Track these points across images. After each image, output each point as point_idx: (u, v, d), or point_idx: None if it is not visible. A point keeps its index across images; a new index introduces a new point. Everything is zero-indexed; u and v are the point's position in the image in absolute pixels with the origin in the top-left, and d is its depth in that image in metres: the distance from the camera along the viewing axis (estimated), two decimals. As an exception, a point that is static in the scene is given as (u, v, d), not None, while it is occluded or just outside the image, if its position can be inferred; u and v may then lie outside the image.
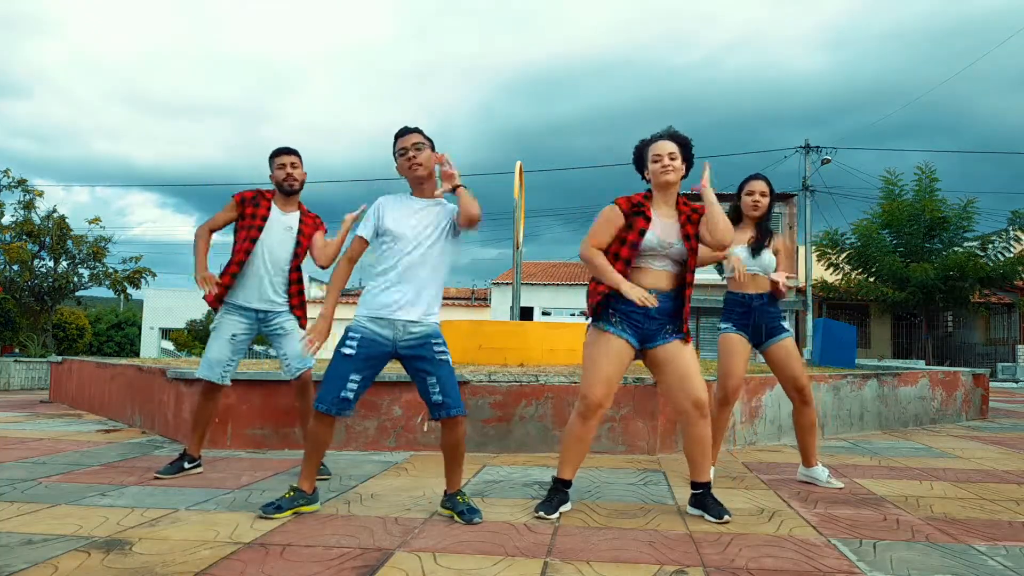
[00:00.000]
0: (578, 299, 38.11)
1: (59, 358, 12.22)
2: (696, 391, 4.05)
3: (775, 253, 5.03)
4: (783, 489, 4.88)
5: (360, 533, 3.66)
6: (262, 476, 5.11)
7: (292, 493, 4.04)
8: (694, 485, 4.18)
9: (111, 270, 21.64)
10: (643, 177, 4.33)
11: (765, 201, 5.07)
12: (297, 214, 5.19)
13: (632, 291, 3.89)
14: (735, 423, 6.75)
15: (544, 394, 6.26)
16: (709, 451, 4.16)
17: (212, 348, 5.07)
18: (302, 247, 5.18)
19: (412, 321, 3.97)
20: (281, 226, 5.10)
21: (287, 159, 5.13)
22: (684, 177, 4.29)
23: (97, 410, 9.43)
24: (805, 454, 5.11)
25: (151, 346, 43.44)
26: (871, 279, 25.52)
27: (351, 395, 3.90)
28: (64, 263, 21.07)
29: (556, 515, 4.04)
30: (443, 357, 4.02)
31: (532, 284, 38.17)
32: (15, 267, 20.04)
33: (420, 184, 4.15)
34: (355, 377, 3.92)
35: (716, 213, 4.05)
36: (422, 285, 4.01)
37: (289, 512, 3.97)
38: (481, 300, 43.77)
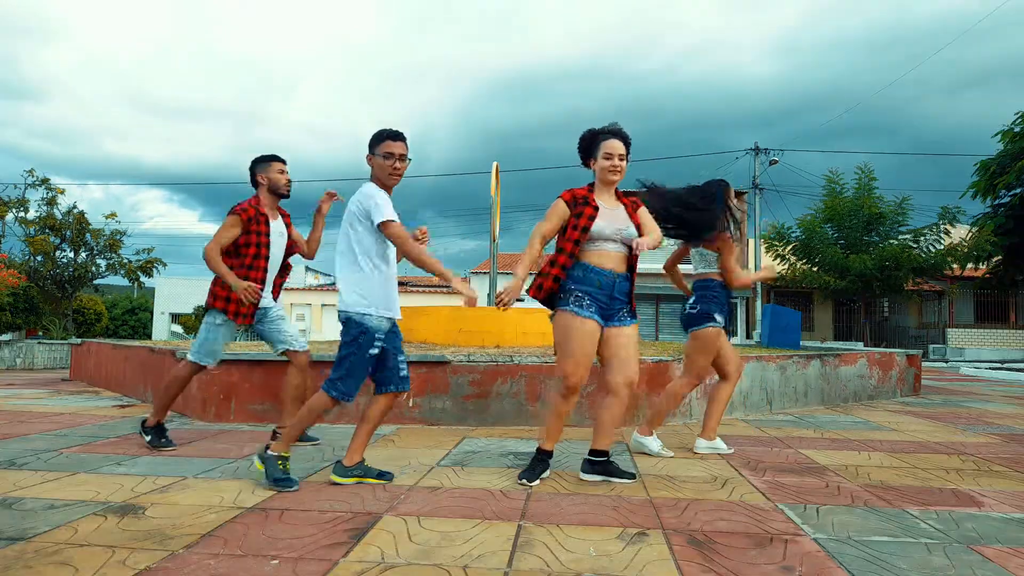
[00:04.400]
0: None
1: (79, 340, 12.12)
2: (633, 374, 4.09)
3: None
4: (735, 459, 4.90)
5: (351, 499, 3.65)
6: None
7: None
8: (596, 453, 4.19)
9: (126, 260, 21.50)
10: (586, 165, 4.31)
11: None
12: (280, 218, 5.17)
13: (512, 290, 4.01)
14: (691, 400, 6.78)
15: (518, 373, 6.26)
16: (619, 425, 4.22)
17: (215, 340, 5.00)
18: (292, 248, 5.25)
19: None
20: (276, 233, 5.07)
21: (285, 166, 5.11)
22: None
23: (113, 387, 9.36)
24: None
25: (162, 329, 43.19)
26: (815, 269, 25.63)
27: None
28: (83, 254, 20.90)
29: (537, 482, 4.06)
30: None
31: (507, 273, 38.11)
32: (39, 258, 19.90)
33: (389, 191, 4.04)
34: (370, 370, 3.99)
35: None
36: None
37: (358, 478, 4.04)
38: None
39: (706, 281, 5.08)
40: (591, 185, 4.27)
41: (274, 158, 5.09)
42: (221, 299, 4.90)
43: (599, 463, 4.16)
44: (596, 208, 4.10)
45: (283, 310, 5.19)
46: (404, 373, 4.08)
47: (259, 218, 4.94)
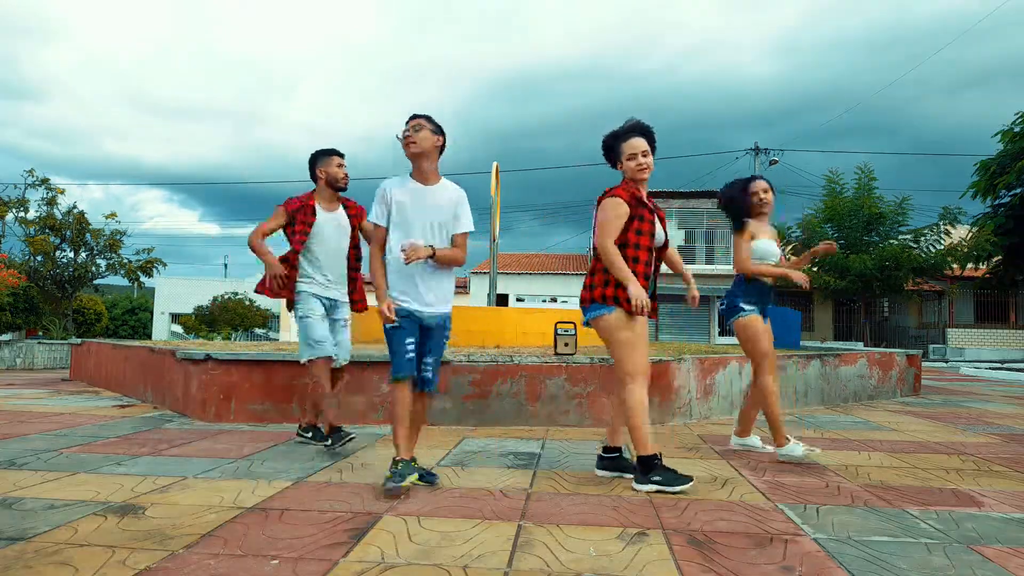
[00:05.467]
0: (549, 286, 38.15)
1: (79, 340, 12.12)
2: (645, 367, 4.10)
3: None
4: (735, 459, 4.91)
5: (351, 499, 3.65)
6: (263, 447, 5.08)
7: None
8: (609, 450, 4.26)
9: (126, 260, 21.47)
10: (614, 167, 4.27)
11: (770, 197, 5.09)
12: (343, 209, 5.27)
13: (637, 296, 3.89)
14: (691, 400, 6.78)
15: (518, 373, 6.26)
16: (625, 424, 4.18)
17: (304, 328, 5.12)
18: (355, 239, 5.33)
19: None
20: (332, 225, 5.18)
21: (343, 160, 5.24)
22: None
23: (113, 387, 9.36)
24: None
25: (162, 330, 43.23)
26: (814, 269, 25.65)
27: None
28: (83, 254, 20.87)
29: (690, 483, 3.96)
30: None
31: (507, 273, 38.16)
32: (39, 258, 19.88)
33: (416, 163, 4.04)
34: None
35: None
36: None
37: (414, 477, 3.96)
38: (461, 288, 43.58)
39: (737, 275, 5.10)
40: (628, 182, 4.17)
41: (333, 152, 5.20)
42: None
43: (609, 459, 4.28)
44: (652, 212, 4.12)
45: (349, 317, 5.31)
46: (426, 373, 4.04)
47: (306, 209, 5.07)
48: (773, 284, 5.05)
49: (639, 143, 4.11)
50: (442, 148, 4.06)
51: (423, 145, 3.93)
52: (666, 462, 4.41)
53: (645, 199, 4.11)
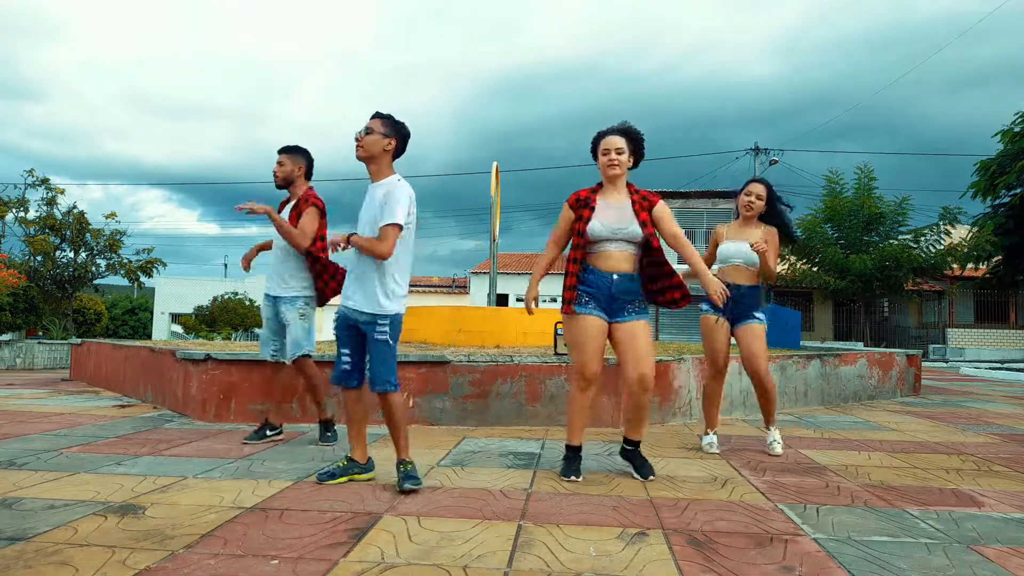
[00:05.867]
0: (549, 286, 38.19)
1: (79, 340, 12.11)
2: (643, 368, 4.11)
3: (765, 242, 5.00)
4: (735, 459, 4.91)
5: (351, 499, 3.65)
6: (263, 447, 5.09)
7: (346, 462, 4.15)
8: (627, 441, 4.38)
9: (126, 260, 21.46)
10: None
11: (759, 204, 5.13)
12: (288, 207, 5.32)
13: (526, 297, 4.49)
14: (691, 399, 6.78)
15: (518, 373, 6.26)
16: (645, 416, 4.29)
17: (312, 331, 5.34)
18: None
19: None
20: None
21: (278, 156, 5.33)
22: (634, 167, 4.36)
23: (113, 387, 9.36)
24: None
25: (162, 330, 43.23)
26: (814, 268, 25.62)
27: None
28: (83, 254, 20.86)
29: (581, 477, 4.20)
30: None
31: (507, 273, 38.17)
32: (39, 258, 19.87)
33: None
34: None
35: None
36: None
37: (344, 479, 4.07)
38: (461, 288, 43.64)
39: None
40: (599, 184, 4.35)
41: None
42: None
43: (626, 449, 4.39)
44: (592, 209, 4.18)
45: (294, 314, 5.25)
46: (368, 374, 4.09)
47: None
48: (741, 287, 5.11)
49: (612, 141, 4.23)
50: (398, 149, 4.09)
51: (370, 150, 4.01)
52: (667, 462, 4.40)
53: (592, 199, 4.22)
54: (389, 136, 4.02)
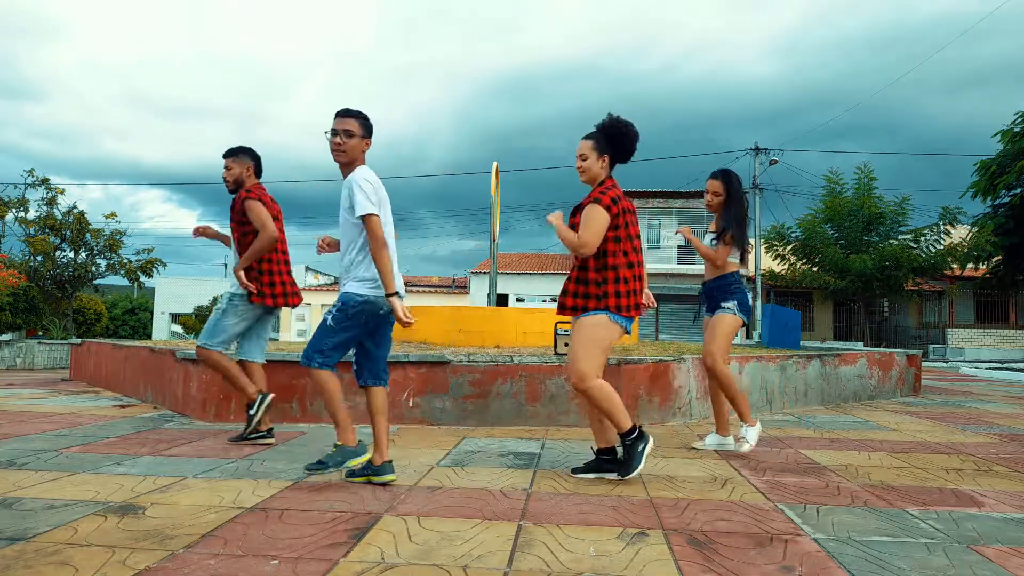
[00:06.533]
0: (549, 286, 38.17)
1: (79, 340, 12.12)
2: (571, 370, 4.17)
3: (725, 244, 5.02)
4: (735, 459, 4.90)
5: (351, 499, 3.65)
6: (263, 447, 5.08)
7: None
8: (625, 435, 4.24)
9: (126, 260, 21.48)
10: None
11: (714, 199, 5.11)
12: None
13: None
14: (690, 399, 6.78)
15: (519, 373, 6.26)
16: (607, 417, 4.22)
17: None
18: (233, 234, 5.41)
19: None
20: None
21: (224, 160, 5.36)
22: (622, 162, 4.26)
23: (113, 387, 9.36)
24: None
25: (162, 329, 43.25)
26: (814, 269, 25.67)
27: None
28: (83, 254, 20.88)
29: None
30: None
31: (507, 273, 38.14)
32: (39, 258, 19.89)
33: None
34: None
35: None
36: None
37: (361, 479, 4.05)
38: (461, 288, 43.63)
39: None
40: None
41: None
42: None
43: (627, 444, 4.20)
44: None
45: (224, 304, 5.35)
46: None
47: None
48: (708, 282, 5.22)
49: (579, 145, 4.22)
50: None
51: (352, 154, 3.98)
52: (667, 462, 4.40)
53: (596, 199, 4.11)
54: (367, 136, 4.02)
